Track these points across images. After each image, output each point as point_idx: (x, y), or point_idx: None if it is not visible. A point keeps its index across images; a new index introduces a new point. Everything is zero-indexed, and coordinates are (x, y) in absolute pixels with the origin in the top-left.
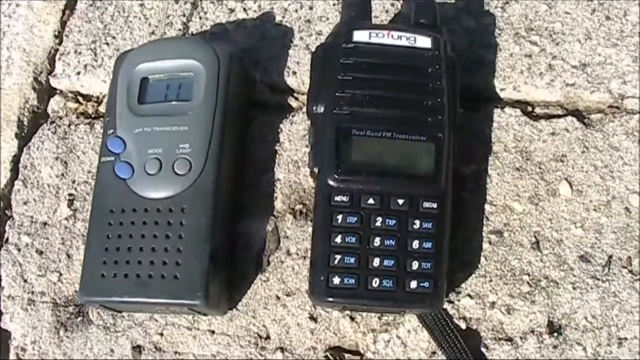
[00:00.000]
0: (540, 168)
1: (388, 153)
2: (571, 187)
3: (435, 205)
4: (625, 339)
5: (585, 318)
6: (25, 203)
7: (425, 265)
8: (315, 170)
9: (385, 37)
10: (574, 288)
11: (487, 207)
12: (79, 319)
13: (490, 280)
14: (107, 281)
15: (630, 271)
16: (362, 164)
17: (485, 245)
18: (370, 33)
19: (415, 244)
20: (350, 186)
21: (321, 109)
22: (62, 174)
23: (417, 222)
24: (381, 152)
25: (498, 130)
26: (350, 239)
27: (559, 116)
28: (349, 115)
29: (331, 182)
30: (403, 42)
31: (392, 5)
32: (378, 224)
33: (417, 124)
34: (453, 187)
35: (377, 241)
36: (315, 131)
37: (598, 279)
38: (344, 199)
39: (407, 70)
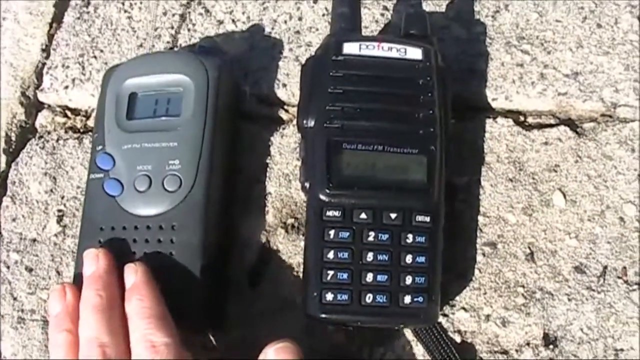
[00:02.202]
0: (533, 178)
1: (380, 167)
2: (565, 197)
3: (428, 219)
4: (622, 350)
5: (581, 330)
6: (14, 220)
7: (419, 280)
8: (307, 184)
9: (375, 49)
10: (569, 299)
11: (480, 218)
12: None
13: (485, 293)
14: None
15: (626, 281)
16: (354, 178)
17: (479, 258)
18: (360, 45)
19: (409, 258)
20: (342, 201)
21: (311, 123)
22: (51, 190)
23: (410, 236)
24: (373, 165)
25: (490, 140)
26: (343, 255)
27: (551, 125)
28: (339, 128)
29: (322, 197)
30: (393, 53)
31: (382, 15)
32: (371, 238)
33: (408, 137)
34: (446, 199)
35: (370, 256)
36: (306, 145)
37: (593, 290)
38: (336, 213)
39: (398, 83)
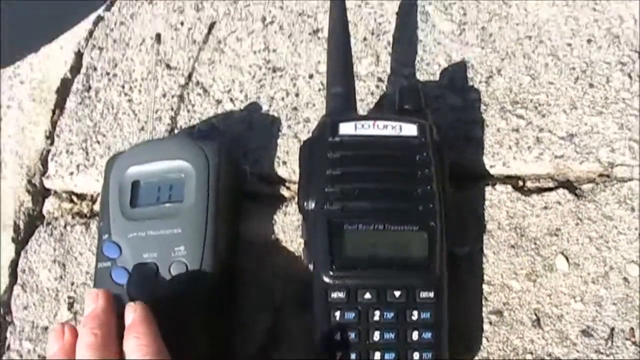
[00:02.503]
0: (535, 244)
1: (381, 245)
2: (568, 260)
3: (432, 294)
4: None
5: None
6: (25, 308)
7: (426, 356)
8: (310, 266)
9: (371, 127)
10: None
11: (485, 287)
12: None
13: None
14: None
15: (634, 343)
16: (356, 258)
17: (486, 327)
18: (355, 125)
19: (415, 335)
20: (346, 282)
21: (312, 205)
22: (61, 277)
23: (415, 312)
24: (374, 244)
25: (490, 208)
26: (350, 335)
27: (550, 189)
28: (340, 210)
29: (326, 279)
30: (389, 131)
31: (377, 87)
32: (376, 318)
33: (408, 214)
34: (449, 270)
35: (376, 335)
36: (308, 227)
37: (602, 353)
38: (341, 295)
39: (395, 160)
